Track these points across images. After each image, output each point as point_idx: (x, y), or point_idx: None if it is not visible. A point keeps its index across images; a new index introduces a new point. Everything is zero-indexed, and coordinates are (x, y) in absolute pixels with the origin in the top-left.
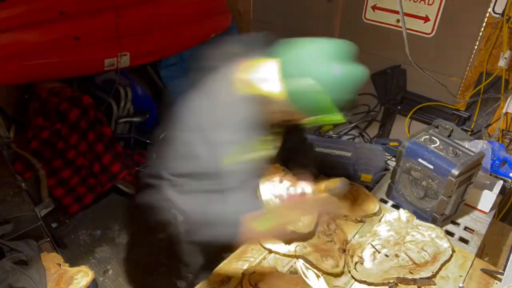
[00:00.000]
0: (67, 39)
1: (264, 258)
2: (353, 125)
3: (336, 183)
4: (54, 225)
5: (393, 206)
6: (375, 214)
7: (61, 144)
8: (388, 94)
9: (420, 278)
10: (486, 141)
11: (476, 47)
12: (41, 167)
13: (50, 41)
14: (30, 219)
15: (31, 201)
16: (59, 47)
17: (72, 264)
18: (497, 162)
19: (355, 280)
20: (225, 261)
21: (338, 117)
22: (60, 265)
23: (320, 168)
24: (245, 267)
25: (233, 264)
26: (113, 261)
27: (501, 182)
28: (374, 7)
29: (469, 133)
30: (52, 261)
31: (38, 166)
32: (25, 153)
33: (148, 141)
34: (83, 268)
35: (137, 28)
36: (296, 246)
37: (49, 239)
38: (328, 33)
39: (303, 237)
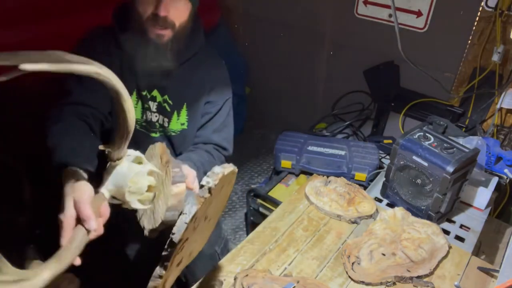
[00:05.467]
0: (48, 37)
1: (257, 261)
2: (347, 123)
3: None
4: (37, 230)
5: (388, 205)
6: (370, 216)
7: (44, 146)
8: (381, 91)
9: (418, 277)
10: (480, 137)
11: (469, 41)
12: (24, 171)
13: (30, 39)
14: (12, 225)
15: (13, 207)
16: (40, 45)
17: None
18: (492, 158)
19: (353, 280)
20: (217, 265)
21: None
22: None
23: (313, 167)
24: (237, 270)
25: (225, 268)
26: (100, 267)
27: (497, 178)
28: (366, 2)
29: (464, 129)
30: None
31: (20, 169)
32: (5, 154)
33: None
34: (68, 275)
35: None
36: None
37: (32, 245)
38: (320, 29)
39: None
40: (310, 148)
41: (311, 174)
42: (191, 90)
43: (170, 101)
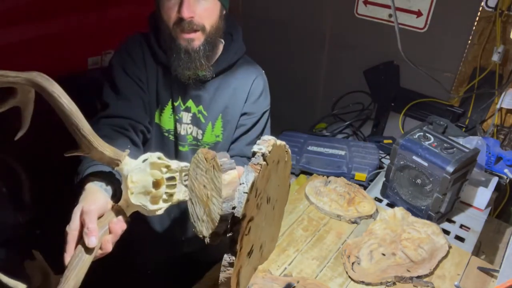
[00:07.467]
0: (47, 37)
1: None
2: (347, 123)
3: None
4: (38, 231)
5: (388, 205)
6: (370, 216)
7: (44, 146)
8: (381, 91)
9: (418, 277)
10: (480, 137)
11: (469, 41)
12: (24, 171)
13: (29, 39)
14: (12, 225)
15: (13, 207)
16: (38, 45)
17: (57, 272)
18: (492, 158)
19: (353, 280)
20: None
21: None
22: None
23: (313, 167)
24: None
25: None
26: (101, 267)
27: (497, 178)
28: (366, 2)
29: (464, 129)
30: (36, 269)
31: (20, 169)
32: (6, 156)
33: None
34: None
35: (122, 25)
36: None
37: (32, 245)
38: (320, 29)
39: None
40: (310, 148)
41: (311, 174)
42: (228, 100)
43: (205, 112)
